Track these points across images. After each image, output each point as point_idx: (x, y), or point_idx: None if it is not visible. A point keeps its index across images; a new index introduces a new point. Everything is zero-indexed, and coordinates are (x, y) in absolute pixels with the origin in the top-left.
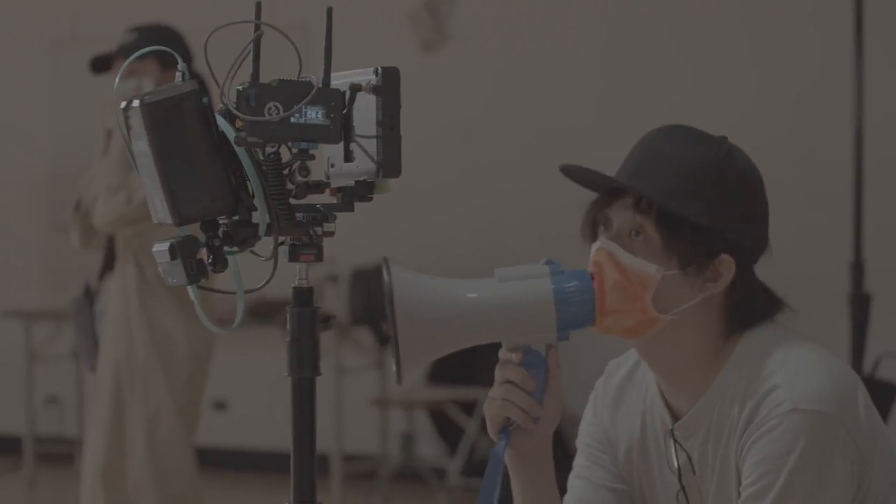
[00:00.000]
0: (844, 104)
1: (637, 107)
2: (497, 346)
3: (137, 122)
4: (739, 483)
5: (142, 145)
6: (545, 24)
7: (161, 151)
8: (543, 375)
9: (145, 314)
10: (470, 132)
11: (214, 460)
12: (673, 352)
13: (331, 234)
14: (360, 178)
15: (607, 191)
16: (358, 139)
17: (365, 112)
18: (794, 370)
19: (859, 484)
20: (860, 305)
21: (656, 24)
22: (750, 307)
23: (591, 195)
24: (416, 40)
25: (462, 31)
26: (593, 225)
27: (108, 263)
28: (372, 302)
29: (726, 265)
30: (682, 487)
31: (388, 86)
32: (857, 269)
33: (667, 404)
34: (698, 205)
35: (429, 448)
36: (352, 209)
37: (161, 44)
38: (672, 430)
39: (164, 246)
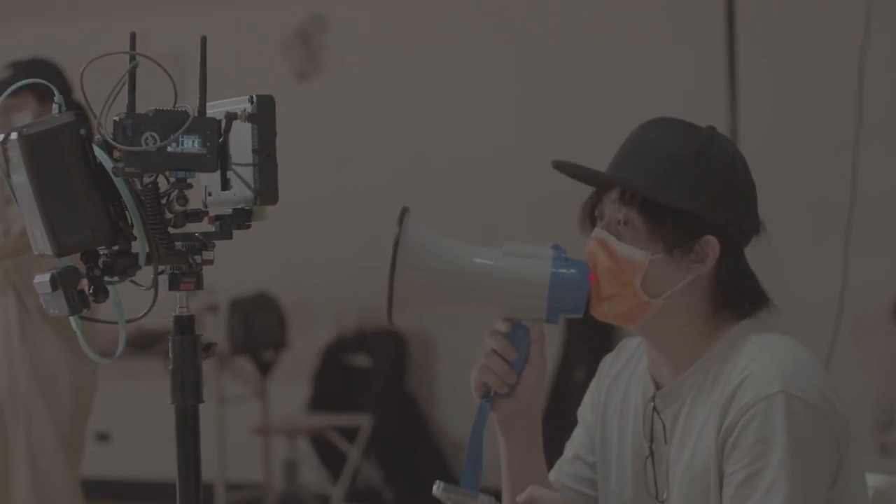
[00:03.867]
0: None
1: (509, 136)
2: (378, 370)
3: (16, 154)
4: (717, 457)
5: (20, 177)
6: (418, 52)
7: (40, 183)
8: (526, 348)
9: (27, 346)
10: (344, 159)
11: (98, 491)
12: (666, 332)
13: (210, 262)
14: (238, 206)
15: (598, 186)
16: (235, 167)
17: (241, 140)
18: (784, 359)
19: (834, 481)
20: None
21: (530, 54)
22: (737, 289)
23: (580, 192)
24: (290, 69)
25: (335, 61)
26: (590, 218)
27: None
28: (251, 331)
29: (711, 246)
30: (652, 454)
31: (264, 114)
32: None
33: (651, 374)
34: (677, 191)
35: (312, 475)
36: (230, 237)
37: (38, 77)
38: (654, 398)
39: (46, 277)
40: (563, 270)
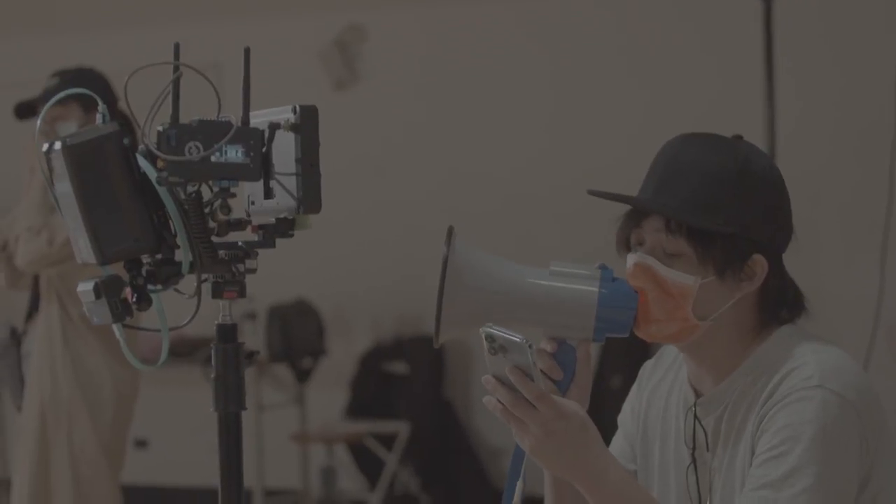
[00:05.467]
0: (756, 125)
1: (545, 147)
2: (415, 378)
3: (59, 163)
4: (752, 450)
5: (64, 187)
6: (455, 62)
7: (83, 192)
8: (572, 368)
9: (69, 353)
10: (382, 169)
11: (135, 498)
12: (710, 347)
13: (253, 270)
14: (281, 215)
15: (640, 213)
16: (278, 176)
17: (284, 150)
18: (826, 359)
19: (862, 489)
20: None
21: (565, 65)
22: (782, 298)
23: (617, 209)
24: (328, 78)
25: (373, 70)
26: (626, 241)
27: (35, 304)
28: (290, 338)
29: (759, 264)
30: (694, 461)
31: (307, 123)
32: None
33: (691, 384)
34: (725, 214)
35: (349, 482)
36: (273, 246)
37: (83, 87)
38: (694, 407)
39: (89, 285)
40: (611, 291)
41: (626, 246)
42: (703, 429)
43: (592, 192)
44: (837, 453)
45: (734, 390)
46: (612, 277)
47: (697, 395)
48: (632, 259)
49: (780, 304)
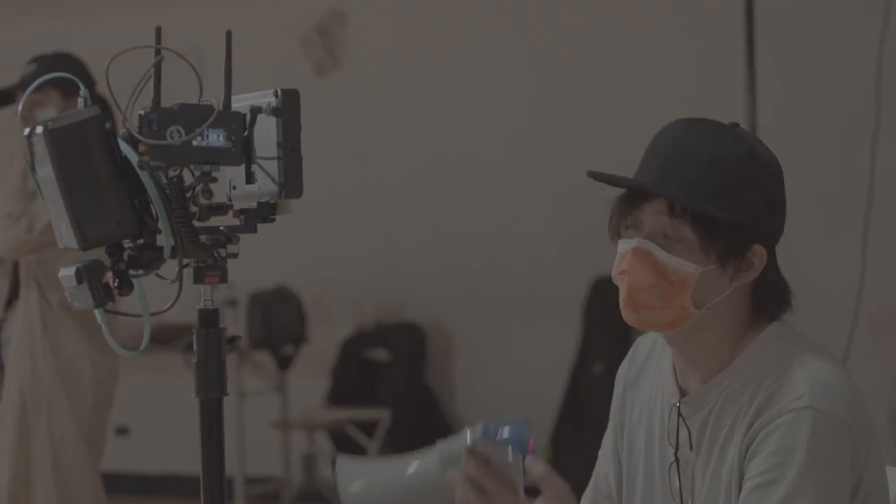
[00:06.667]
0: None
1: (526, 130)
2: (396, 364)
3: (41, 148)
4: (740, 467)
5: (46, 171)
6: (436, 47)
7: (65, 177)
8: None
9: (49, 340)
10: (364, 154)
11: (116, 485)
12: (699, 340)
13: (234, 255)
14: (263, 200)
15: (644, 197)
16: (259, 161)
17: (266, 134)
18: (815, 374)
19: (854, 492)
20: None
21: (545, 49)
22: (775, 293)
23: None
24: (309, 63)
25: (354, 55)
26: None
27: (15, 292)
28: (271, 325)
29: (759, 255)
30: (677, 460)
31: (289, 107)
32: None
33: (677, 381)
34: (730, 202)
35: (330, 469)
36: (255, 230)
37: (61, 72)
38: (679, 405)
39: (71, 270)
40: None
41: (618, 231)
42: (688, 428)
43: (592, 175)
44: (830, 475)
45: (721, 391)
46: (495, 432)
47: (683, 393)
48: (629, 244)
49: (772, 298)
